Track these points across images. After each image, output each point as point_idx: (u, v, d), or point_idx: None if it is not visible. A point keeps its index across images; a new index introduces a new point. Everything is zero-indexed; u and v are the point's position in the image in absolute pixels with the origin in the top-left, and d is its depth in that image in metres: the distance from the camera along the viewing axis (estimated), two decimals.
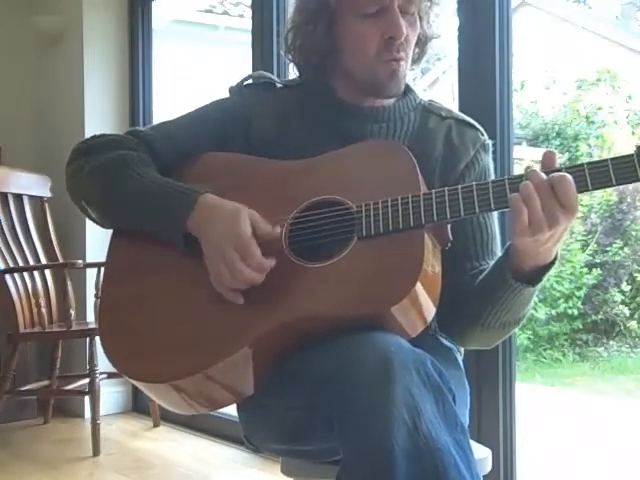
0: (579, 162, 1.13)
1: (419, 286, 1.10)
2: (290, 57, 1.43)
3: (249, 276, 1.18)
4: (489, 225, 1.37)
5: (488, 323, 1.28)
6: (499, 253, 1.35)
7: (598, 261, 6.39)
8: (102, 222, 1.39)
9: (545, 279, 1.24)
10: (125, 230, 1.36)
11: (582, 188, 1.10)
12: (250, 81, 1.45)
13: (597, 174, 1.09)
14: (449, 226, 1.21)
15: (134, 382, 1.23)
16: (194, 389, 1.19)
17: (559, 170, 1.11)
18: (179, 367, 1.16)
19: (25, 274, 3.29)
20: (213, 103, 1.45)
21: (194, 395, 1.21)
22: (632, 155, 1.08)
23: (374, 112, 1.38)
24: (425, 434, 0.98)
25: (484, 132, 1.42)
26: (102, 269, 1.39)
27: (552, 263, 1.21)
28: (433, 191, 1.18)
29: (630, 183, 1.09)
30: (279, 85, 1.44)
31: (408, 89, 1.42)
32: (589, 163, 1.11)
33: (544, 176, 1.10)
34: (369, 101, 1.38)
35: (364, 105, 1.38)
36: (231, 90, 1.44)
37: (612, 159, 1.09)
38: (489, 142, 1.42)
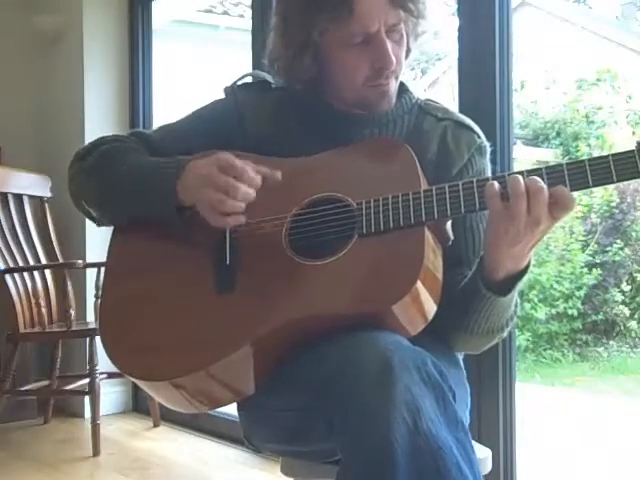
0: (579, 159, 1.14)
1: (420, 284, 1.10)
2: (275, 75, 1.41)
3: (239, 188, 1.18)
4: (482, 232, 1.34)
5: (471, 330, 1.27)
6: None
7: (598, 261, 6.39)
8: (102, 218, 1.40)
9: (517, 289, 1.22)
10: (125, 229, 1.36)
11: (583, 185, 1.10)
12: (245, 80, 1.45)
13: (598, 170, 1.09)
14: (449, 225, 1.21)
15: (135, 380, 1.23)
16: (194, 387, 1.19)
17: (560, 166, 1.12)
18: (180, 365, 1.16)
19: (25, 274, 3.29)
20: (210, 104, 1.45)
21: (194, 393, 1.21)
22: (633, 151, 1.08)
23: (365, 117, 1.36)
24: (425, 433, 0.98)
25: (481, 134, 1.39)
26: (102, 269, 1.39)
27: (524, 272, 1.19)
28: (433, 187, 1.17)
29: (630, 179, 1.10)
30: (273, 85, 1.43)
31: (404, 89, 1.40)
32: (590, 159, 1.11)
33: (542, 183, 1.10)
34: None
35: (356, 111, 1.36)
36: (225, 90, 1.44)
37: (613, 155, 1.10)
38: (486, 144, 1.39)
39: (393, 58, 1.28)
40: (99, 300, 1.37)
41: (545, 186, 1.09)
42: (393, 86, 1.33)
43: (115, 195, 1.34)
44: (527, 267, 1.20)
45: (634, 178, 1.09)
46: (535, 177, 1.10)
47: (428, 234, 1.15)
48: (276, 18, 1.35)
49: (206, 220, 1.23)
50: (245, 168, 1.20)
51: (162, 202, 1.27)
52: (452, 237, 1.22)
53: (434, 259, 1.16)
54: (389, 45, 1.27)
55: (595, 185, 1.10)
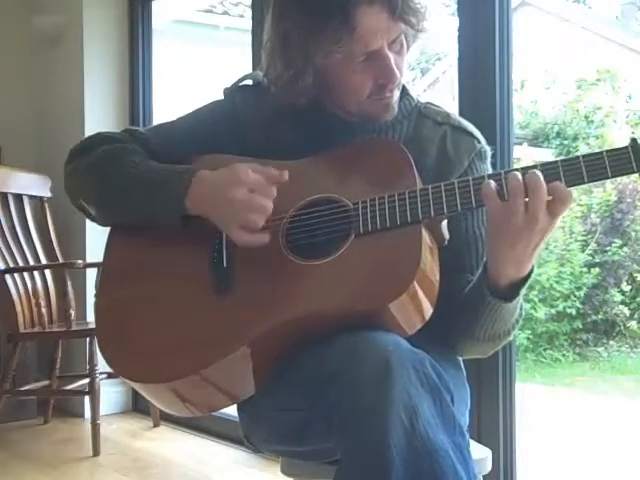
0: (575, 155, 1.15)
1: (417, 282, 1.10)
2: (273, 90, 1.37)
3: (260, 202, 1.19)
4: (484, 237, 1.33)
5: (477, 336, 1.27)
6: None
7: (598, 261, 6.39)
8: (101, 218, 1.39)
9: (522, 294, 1.21)
10: (121, 231, 1.36)
11: (578, 180, 1.11)
12: (244, 82, 1.43)
13: (593, 166, 1.10)
14: (445, 224, 1.21)
15: (131, 383, 1.22)
16: (191, 390, 1.19)
17: (555, 163, 1.12)
18: (176, 367, 1.16)
19: (25, 274, 3.29)
20: (207, 106, 1.44)
21: (191, 396, 1.20)
22: (627, 147, 1.10)
23: (364, 123, 1.35)
24: (422, 435, 0.98)
25: (481, 139, 1.38)
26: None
27: (527, 277, 1.19)
28: (429, 186, 1.18)
29: (625, 175, 1.11)
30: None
31: (404, 93, 1.38)
32: (584, 155, 1.12)
33: (540, 175, 1.10)
34: None
35: (355, 119, 1.35)
36: (225, 92, 1.44)
37: (607, 151, 1.11)
38: (486, 149, 1.38)
39: (397, 72, 1.26)
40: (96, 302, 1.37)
41: (544, 182, 1.09)
42: (396, 96, 1.32)
43: (118, 197, 1.33)
44: (530, 272, 1.19)
45: (628, 174, 1.10)
46: (534, 171, 1.10)
47: (425, 232, 1.15)
48: (272, 36, 1.30)
49: (213, 226, 1.23)
50: (266, 184, 1.21)
51: (168, 209, 1.26)
52: (447, 236, 1.21)
53: (431, 258, 1.16)
54: (392, 59, 1.25)
55: (590, 181, 1.11)
